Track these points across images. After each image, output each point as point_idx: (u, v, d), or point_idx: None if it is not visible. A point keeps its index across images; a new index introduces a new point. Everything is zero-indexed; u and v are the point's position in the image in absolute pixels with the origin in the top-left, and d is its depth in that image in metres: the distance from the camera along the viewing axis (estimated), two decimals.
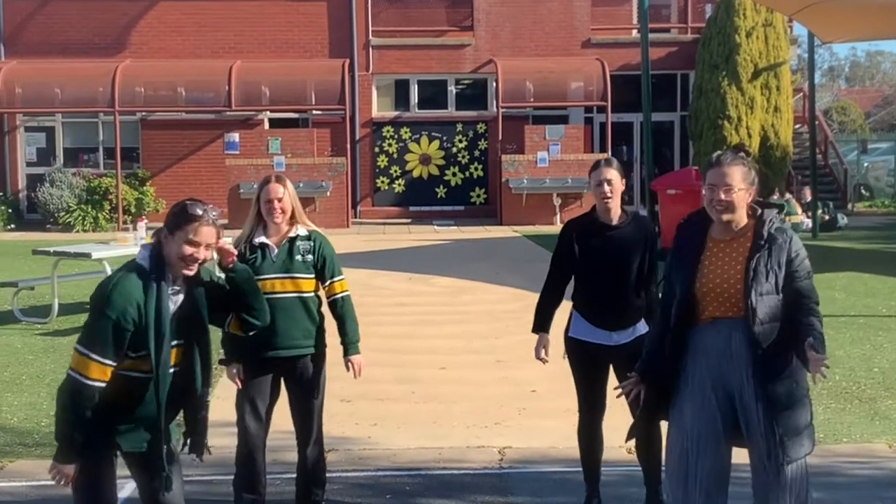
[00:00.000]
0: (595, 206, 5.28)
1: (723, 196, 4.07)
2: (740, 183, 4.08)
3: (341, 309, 5.24)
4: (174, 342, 3.82)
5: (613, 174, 5.19)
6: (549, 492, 5.81)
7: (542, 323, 5.37)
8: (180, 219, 3.79)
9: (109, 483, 3.91)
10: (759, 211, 4.15)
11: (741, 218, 4.14)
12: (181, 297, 3.87)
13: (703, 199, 4.16)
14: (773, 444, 4.02)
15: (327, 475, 5.51)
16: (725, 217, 4.10)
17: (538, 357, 5.38)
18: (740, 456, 4.21)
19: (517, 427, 7.06)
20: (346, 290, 5.29)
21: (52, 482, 3.84)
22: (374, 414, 7.38)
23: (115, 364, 3.71)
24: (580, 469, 5.49)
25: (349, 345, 5.24)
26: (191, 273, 3.83)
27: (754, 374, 4.04)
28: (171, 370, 3.84)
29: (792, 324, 4.00)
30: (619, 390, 4.45)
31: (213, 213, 3.85)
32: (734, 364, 4.08)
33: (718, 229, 4.18)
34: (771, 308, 4.02)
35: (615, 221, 5.23)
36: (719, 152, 4.23)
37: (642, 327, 5.24)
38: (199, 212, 3.80)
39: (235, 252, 4.13)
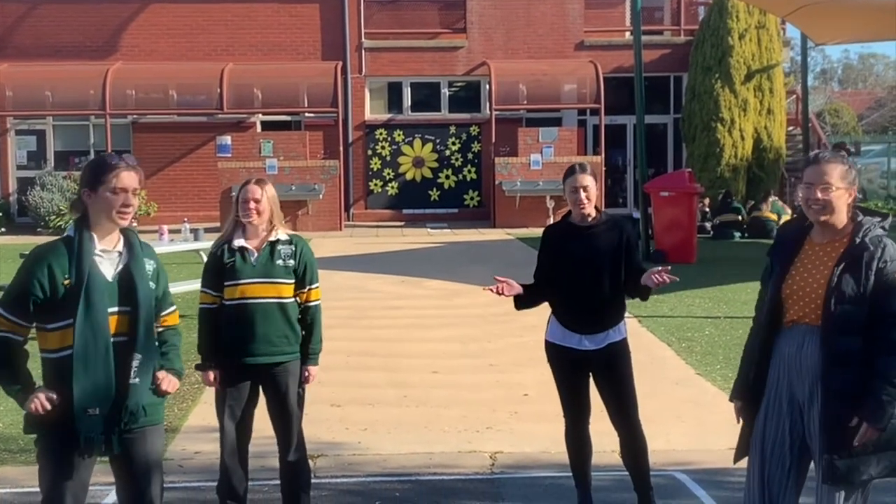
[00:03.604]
0: (570, 211, 5.25)
1: (819, 194, 3.86)
2: (839, 181, 3.87)
3: (312, 317, 5.16)
4: (113, 309, 3.80)
5: (589, 180, 5.14)
6: (541, 497, 5.74)
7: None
8: (99, 171, 3.81)
9: (71, 484, 3.84)
10: (860, 216, 3.94)
11: (840, 220, 3.92)
12: (121, 263, 3.86)
13: (800, 199, 3.97)
14: (826, 465, 3.79)
15: (316, 481, 5.43)
16: (822, 217, 3.89)
17: (494, 279, 5.32)
18: None
19: (509, 431, 7.00)
20: (320, 299, 5.22)
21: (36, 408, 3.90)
22: (364, 419, 7.30)
23: (18, 322, 3.75)
24: (571, 474, 5.43)
25: (312, 354, 5.15)
26: (125, 223, 3.84)
27: (822, 389, 3.83)
28: (115, 340, 3.80)
29: (868, 349, 3.76)
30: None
31: (131, 160, 3.88)
32: (803, 375, 3.91)
33: (817, 231, 3.98)
34: (850, 320, 3.77)
35: (589, 222, 5.19)
36: (818, 150, 4.06)
37: (615, 334, 5.19)
38: (115, 160, 3.83)
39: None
